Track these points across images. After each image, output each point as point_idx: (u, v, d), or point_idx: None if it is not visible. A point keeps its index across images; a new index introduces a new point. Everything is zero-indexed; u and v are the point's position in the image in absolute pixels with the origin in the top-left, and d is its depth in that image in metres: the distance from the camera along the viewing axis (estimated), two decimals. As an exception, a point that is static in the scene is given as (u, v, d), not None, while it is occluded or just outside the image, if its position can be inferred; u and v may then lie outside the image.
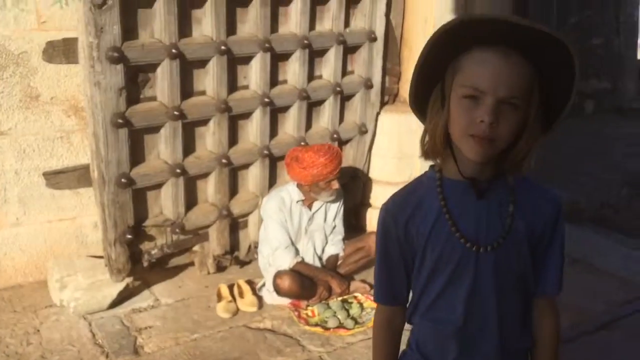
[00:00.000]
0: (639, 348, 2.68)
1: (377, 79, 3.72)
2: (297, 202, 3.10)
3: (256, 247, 3.40)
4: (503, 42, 1.08)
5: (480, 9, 3.82)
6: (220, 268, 3.36)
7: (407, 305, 1.34)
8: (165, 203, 3.07)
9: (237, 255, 3.42)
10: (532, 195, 1.24)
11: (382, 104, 3.83)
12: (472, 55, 1.11)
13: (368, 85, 3.67)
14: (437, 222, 1.22)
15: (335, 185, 3.07)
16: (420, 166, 3.95)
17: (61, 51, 2.88)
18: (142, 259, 3.02)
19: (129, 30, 2.76)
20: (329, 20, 3.46)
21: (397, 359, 1.36)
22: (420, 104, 1.24)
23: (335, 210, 3.24)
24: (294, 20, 3.30)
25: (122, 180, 2.81)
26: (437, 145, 1.18)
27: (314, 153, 3.01)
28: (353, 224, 3.76)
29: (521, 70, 1.09)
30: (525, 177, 1.23)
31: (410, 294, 1.33)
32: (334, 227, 3.26)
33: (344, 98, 3.64)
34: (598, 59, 8.52)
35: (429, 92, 1.20)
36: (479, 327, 1.25)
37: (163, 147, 3.00)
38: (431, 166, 1.27)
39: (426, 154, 1.23)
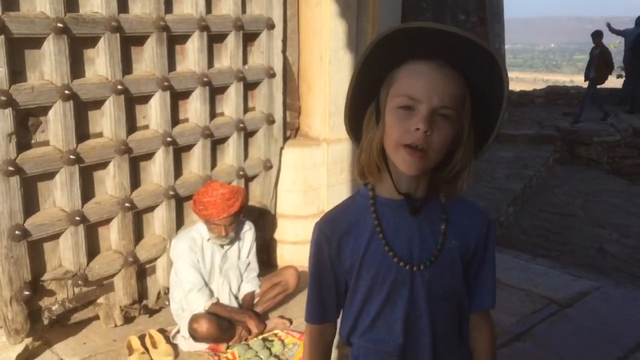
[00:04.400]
0: (551, 355, 2.83)
1: (278, 115, 3.74)
2: (208, 240, 3.00)
3: (166, 294, 3.24)
4: (436, 56, 1.11)
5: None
6: (128, 319, 3.16)
7: (342, 325, 1.32)
8: (65, 254, 2.85)
9: (145, 303, 3.24)
10: (464, 212, 1.26)
11: (285, 138, 3.85)
12: (406, 67, 1.13)
13: (270, 120, 3.69)
14: (371, 241, 1.22)
15: (226, 231, 2.93)
16: (327, 198, 4.01)
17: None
18: (42, 317, 2.77)
19: (17, 72, 2.59)
20: (227, 58, 3.45)
21: None
22: (354, 126, 1.25)
23: (249, 246, 3.17)
24: (192, 58, 3.26)
25: (16, 232, 2.58)
26: (373, 160, 1.19)
27: (205, 189, 2.95)
28: (264, 260, 3.71)
29: (453, 82, 1.12)
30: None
31: (342, 314, 1.32)
32: (249, 264, 3.19)
33: (248, 134, 3.62)
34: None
35: (362, 112, 1.22)
36: (417, 344, 1.26)
37: (59, 194, 2.80)
38: (365, 184, 1.28)
39: (361, 172, 1.23)
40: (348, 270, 1.25)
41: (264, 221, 3.78)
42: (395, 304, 1.23)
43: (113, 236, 3.05)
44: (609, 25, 11.88)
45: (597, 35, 9.85)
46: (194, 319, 2.86)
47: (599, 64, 9.73)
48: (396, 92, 1.13)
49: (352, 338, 1.31)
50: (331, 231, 1.25)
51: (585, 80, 10.36)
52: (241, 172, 3.57)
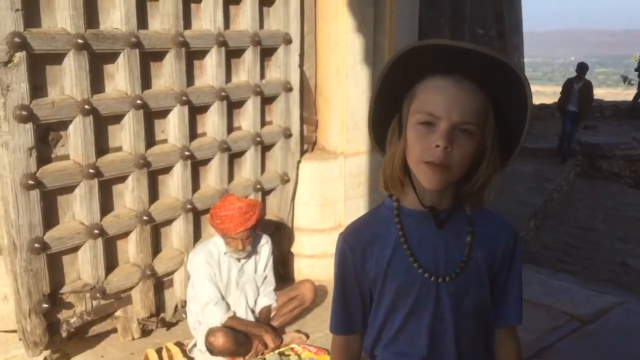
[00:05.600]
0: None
1: (295, 128, 3.76)
2: (225, 253, 3.01)
3: (183, 307, 3.25)
4: (456, 70, 1.11)
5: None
6: (145, 332, 3.17)
7: (365, 337, 1.31)
8: (84, 267, 2.88)
9: (163, 317, 3.25)
10: (490, 224, 1.24)
11: (302, 152, 3.86)
12: (426, 82, 1.13)
13: (287, 134, 3.70)
14: (395, 252, 1.21)
15: (243, 244, 2.94)
16: (344, 211, 4.00)
17: (-37, 114, 2.69)
18: (60, 329, 2.79)
19: (38, 88, 2.63)
20: (245, 72, 3.48)
21: None
22: (379, 137, 1.25)
23: (265, 260, 3.17)
24: (210, 73, 3.29)
25: (36, 245, 2.61)
26: (395, 174, 1.19)
27: (222, 203, 2.96)
28: (281, 274, 3.70)
29: (474, 96, 1.11)
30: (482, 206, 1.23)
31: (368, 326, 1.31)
32: (265, 278, 3.18)
33: (265, 148, 3.64)
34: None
35: (387, 124, 1.22)
36: (442, 356, 1.24)
37: (78, 208, 2.83)
38: (389, 195, 1.27)
39: (386, 184, 1.23)
40: (373, 281, 1.24)
41: (281, 235, 3.78)
42: (419, 316, 1.21)
43: (131, 249, 3.08)
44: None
45: (582, 69, 9.20)
46: (211, 332, 2.86)
47: (581, 97, 9.06)
48: (416, 108, 1.13)
49: (376, 350, 1.29)
50: (355, 242, 1.24)
51: (559, 110, 9.62)
52: (258, 186, 3.58)
